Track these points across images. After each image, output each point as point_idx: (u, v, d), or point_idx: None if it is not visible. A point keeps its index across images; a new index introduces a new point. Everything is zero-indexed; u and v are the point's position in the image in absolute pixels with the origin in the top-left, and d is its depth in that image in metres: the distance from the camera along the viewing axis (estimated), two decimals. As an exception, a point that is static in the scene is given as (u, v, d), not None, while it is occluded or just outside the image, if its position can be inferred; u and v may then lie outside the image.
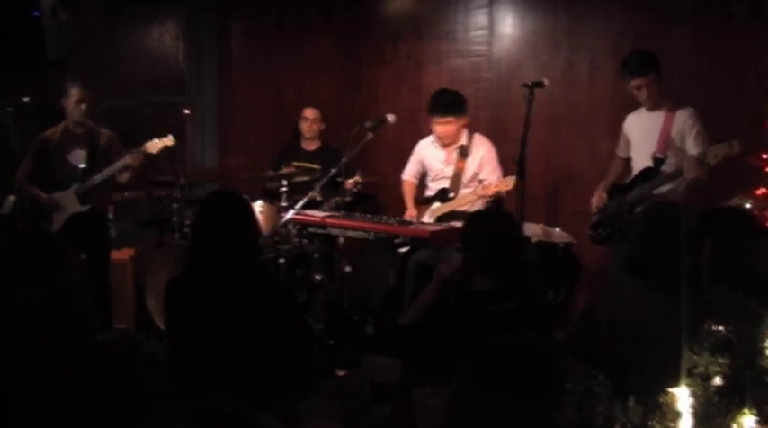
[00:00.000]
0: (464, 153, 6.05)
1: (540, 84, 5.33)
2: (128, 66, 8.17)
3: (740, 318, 1.86)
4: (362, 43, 8.03)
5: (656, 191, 5.18)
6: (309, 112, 7.42)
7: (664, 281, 3.00)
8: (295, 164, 7.21)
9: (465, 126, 6.10)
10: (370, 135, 6.04)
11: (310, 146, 7.43)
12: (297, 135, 7.51)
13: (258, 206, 6.34)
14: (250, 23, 8.72)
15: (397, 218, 6.05)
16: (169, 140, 6.16)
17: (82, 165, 6.11)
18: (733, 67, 6.12)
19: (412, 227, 5.71)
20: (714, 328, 1.87)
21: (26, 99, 5.74)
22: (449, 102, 6.03)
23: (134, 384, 2.59)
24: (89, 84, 6.08)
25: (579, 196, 6.40)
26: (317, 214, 6.10)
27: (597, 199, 5.61)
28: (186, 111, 8.00)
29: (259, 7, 8.59)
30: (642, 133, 5.45)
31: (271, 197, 6.73)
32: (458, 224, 5.50)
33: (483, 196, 5.82)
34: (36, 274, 2.54)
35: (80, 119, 6.09)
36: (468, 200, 5.94)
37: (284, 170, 6.98)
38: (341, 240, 6.13)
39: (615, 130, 5.81)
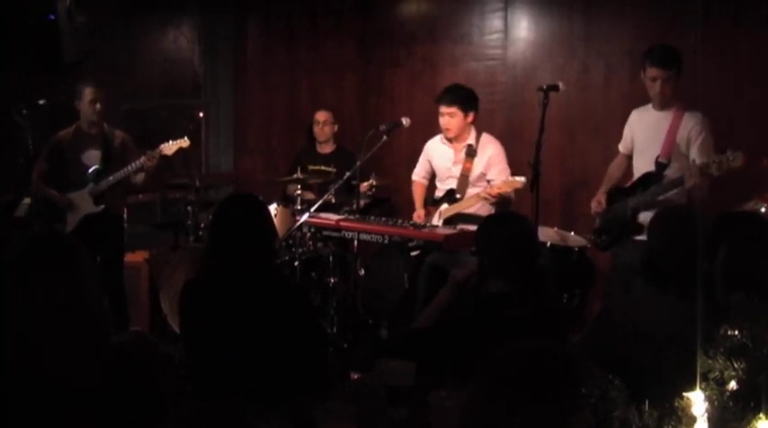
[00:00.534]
0: (471, 152, 6.02)
1: (555, 88, 5.30)
2: (144, 70, 8.21)
3: (756, 323, 1.86)
4: (378, 46, 8.04)
5: (659, 198, 5.13)
6: (320, 115, 7.43)
7: (680, 285, 2.99)
8: (311, 167, 7.23)
9: (472, 123, 6.08)
10: (385, 138, 6.04)
11: (326, 148, 7.44)
12: (312, 138, 7.53)
13: (272, 209, 6.35)
14: (265, 27, 8.74)
15: (411, 222, 6.05)
16: (184, 142, 6.18)
17: (96, 166, 6.14)
18: (748, 70, 6.11)
19: (425, 230, 5.71)
20: (729, 333, 1.86)
21: (42, 102, 5.75)
22: (456, 94, 6.03)
23: (152, 385, 2.60)
24: (104, 85, 6.11)
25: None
26: (331, 217, 6.11)
27: (596, 204, 5.49)
28: (201, 114, 8.03)
29: (274, 11, 8.61)
30: (647, 133, 5.34)
31: (286, 201, 6.76)
32: (468, 227, 5.51)
33: (488, 197, 5.80)
34: (51, 275, 2.54)
35: (94, 118, 6.13)
36: (473, 201, 5.93)
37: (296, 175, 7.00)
38: (355, 243, 6.14)
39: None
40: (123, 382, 2.51)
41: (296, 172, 6.95)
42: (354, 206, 6.38)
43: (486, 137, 6.11)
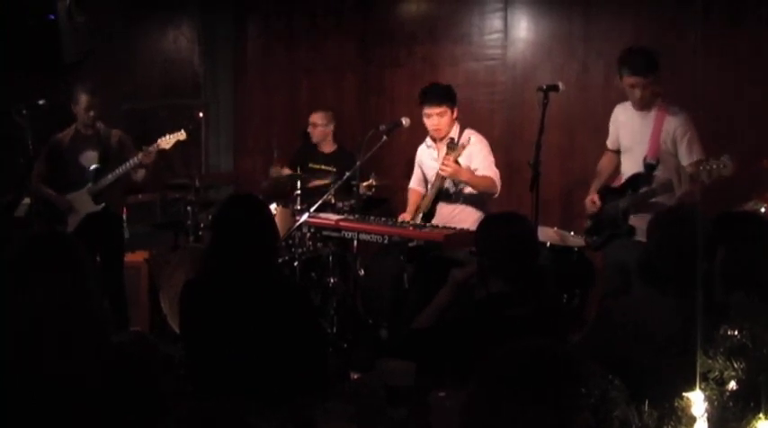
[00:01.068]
0: (452, 145, 5.91)
1: (554, 88, 5.29)
2: (144, 70, 8.21)
3: (756, 323, 1.86)
4: (378, 46, 8.04)
5: (650, 201, 5.12)
6: (314, 117, 7.42)
7: (679, 286, 2.99)
8: (312, 165, 7.23)
9: (456, 119, 6.08)
10: (385, 138, 6.02)
11: (326, 148, 7.44)
12: (307, 138, 7.52)
13: (272, 209, 6.34)
14: (265, 27, 8.74)
15: (411, 222, 6.04)
16: (181, 135, 6.17)
17: (94, 166, 6.14)
18: (748, 70, 6.11)
19: (426, 230, 5.71)
20: (729, 333, 1.87)
21: (42, 102, 5.75)
22: (442, 93, 6.01)
23: (152, 385, 2.60)
24: (103, 87, 6.12)
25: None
26: (331, 217, 6.11)
27: (591, 203, 5.47)
28: (201, 114, 8.02)
29: (274, 11, 8.61)
30: (632, 134, 5.32)
31: (277, 197, 6.76)
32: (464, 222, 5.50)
33: (444, 169, 5.81)
34: (51, 275, 2.55)
35: (89, 123, 6.15)
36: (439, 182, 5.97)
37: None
38: (355, 243, 6.14)
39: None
40: (123, 382, 2.51)
41: (295, 168, 6.95)
42: (352, 203, 6.40)
43: (468, 131, 6.04)
